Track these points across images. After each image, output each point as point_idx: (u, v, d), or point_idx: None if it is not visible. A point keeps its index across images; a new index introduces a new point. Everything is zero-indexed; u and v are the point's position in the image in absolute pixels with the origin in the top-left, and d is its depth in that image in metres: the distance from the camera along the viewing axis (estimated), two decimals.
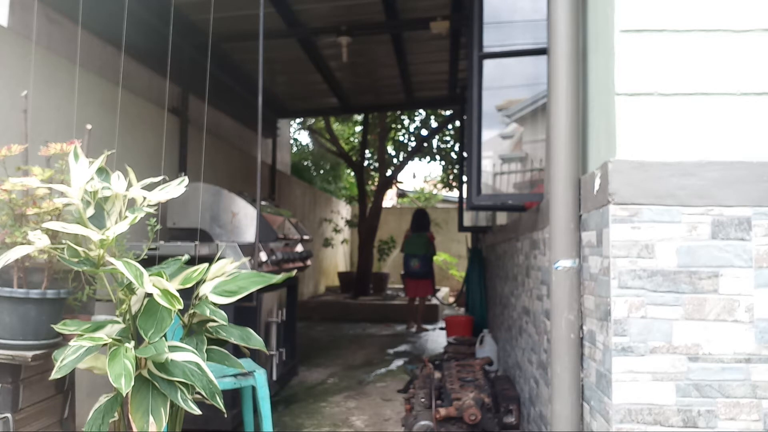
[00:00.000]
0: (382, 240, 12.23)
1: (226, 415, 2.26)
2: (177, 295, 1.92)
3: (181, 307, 1.91)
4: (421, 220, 8.85)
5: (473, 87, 3.35)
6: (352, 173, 14.07)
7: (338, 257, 14.15)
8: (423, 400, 3.62)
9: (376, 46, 6.50)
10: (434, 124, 12.42)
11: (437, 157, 13.26)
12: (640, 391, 1.86)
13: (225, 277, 2.21)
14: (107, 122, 3.92)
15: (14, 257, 1.98)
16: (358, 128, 13.66)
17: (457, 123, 10.13)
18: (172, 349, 1.93)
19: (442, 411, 3.28)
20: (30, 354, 2.09)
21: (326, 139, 12.09)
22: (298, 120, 12.55)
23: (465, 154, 7.48)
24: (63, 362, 1.87)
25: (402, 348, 7.13)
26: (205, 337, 2.14)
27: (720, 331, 1.85)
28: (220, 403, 1.92)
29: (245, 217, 4.56)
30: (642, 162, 1.92)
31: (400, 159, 12.86)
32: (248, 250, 3.91)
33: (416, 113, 12.79)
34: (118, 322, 2.06)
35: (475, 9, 3.42)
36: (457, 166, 11.92)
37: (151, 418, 1.85)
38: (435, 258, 9.10)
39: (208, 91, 4.62)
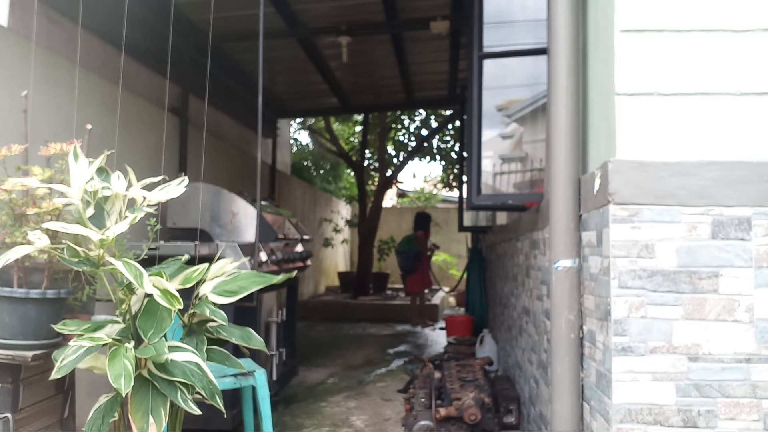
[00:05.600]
0: (382, 240, 12.24)
1: (225, 416, 2.26)
2: (177, 295, 1.92)
3: (181, 307, 1.91)
4: (417, 221, 9.35)
5: (473, 87, 3.35)
6: (352, 173, 14.07)
7: (338, 257, 14.14)
8: (423, 400, 3.62)
9: (376, 46, 6.50)
10: (434, 124, 12.42)
11: (437, 157, 13.26)
12: (640, 391, 1.86)
13: (225, 277, 2.21)
14: (107, 122, 3.92)
15: (14, 257, 1.98)
16: (358, 128, 13.66)
17: (457, 123, 10.12)
18: (172, 349, 1.93)
19: (442, 411, 3.28)
20: (30, 354, 2.09)
21: (326, 139, 12.09)
22: (298, 120, 12.54)
23: (465, 154, 7.48)
24: (63, 362, 1.87)
25: (402, 348, 7.13)
26: (205, 337, 2.14)
27: (720, 331, 1.85)
28: (219, 404, 1.92)
29: (245, 217, 4.56)
30: (642, 162, 1.92)
31: (400, 159, 12.86)
32: (248, 250, 3.90)
33: (416, 113, 12.78)
34: (118, 322, 2.06)
35: (475, 9, 3.42)
36: (457, 166, 11.92)
37: (151, 418, 1.86)
38: (435, 258, 9.23)
39: (208, 91, 4.62)
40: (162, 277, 1.98)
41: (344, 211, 14.77)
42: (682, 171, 1.90)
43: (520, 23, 3.77)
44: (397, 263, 9.42)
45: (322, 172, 14.38)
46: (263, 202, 5.03)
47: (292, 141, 13.56)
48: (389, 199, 17.04)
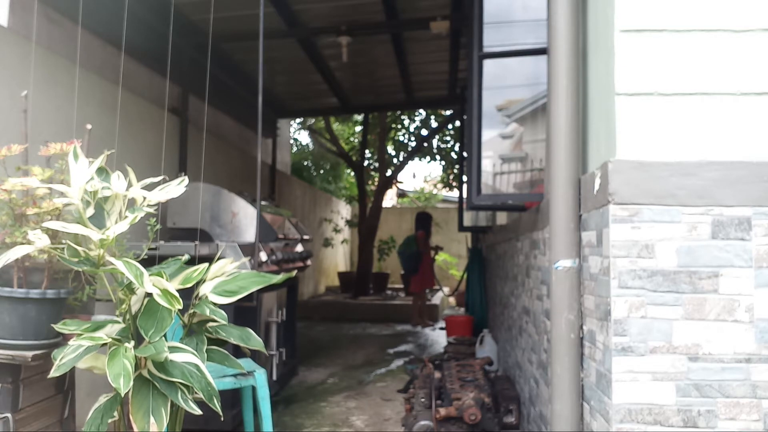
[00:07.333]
0: (382, 240, 12.24)
1: (222, 418, 2.26)
2: (177, 295, 1.92)
3: (181, 307, 1.91)
4: (418, 220, 9.37)
5: (473, 87, 3.35)
6: (352, 173, 14.07)
7: (338, 257, 14.14)
8: (423, 400, 3.62)
9: (376, 46, 6.50)
10: (434, 124, 12.42)
11: (437, 157, 13.26)
12: (640, 391, 1.86)
13: (225, 277, 2.21)
14: (107, 122, 3.92)
15: (14, 257, 1.98)
16: (358, 128, 13.66)
17: (457, 123, 10.12)
18: (172, 349, 1.93)
19: (442, 411, 3.27)
20: (30, 354, 2.09)
21: (326, 139, 12.09)
22: (298, 120, 12.54)
23: (465, 154, 7.48)
24: (62, 361, 1.87)
25: (402, 348, 7.13)
26: (205, 337, 2.14)
27: (720, 331, 1.85)
28: (217, 406, 1.92)
29: (245, 217, 4.56)
30: (642, 162, 1.92)
31: (400, 159, 12.86)
32: (248, 250, 3.90)
33: (416, 113, 12.78)
34: (118, 322, 2.06)
35: (475, 9, 3.42)
36: (457, 166, 11.92)
37: (152, 419, 1.86)
38: (435, 258, 9.28)
39: (208, 91, 4.62)
40: (162, 276, 1.98)
41: (344, 211, 14.77)
42: (682, 171, 1.90)
43: (520, 23, 3.77)
44: (400, 264, 9.53)
45: (322, 172, 14.38)
46: (263, 202, 5.03)
47: (292, 141, 13.56)
48: (389, 199, 17.04)
